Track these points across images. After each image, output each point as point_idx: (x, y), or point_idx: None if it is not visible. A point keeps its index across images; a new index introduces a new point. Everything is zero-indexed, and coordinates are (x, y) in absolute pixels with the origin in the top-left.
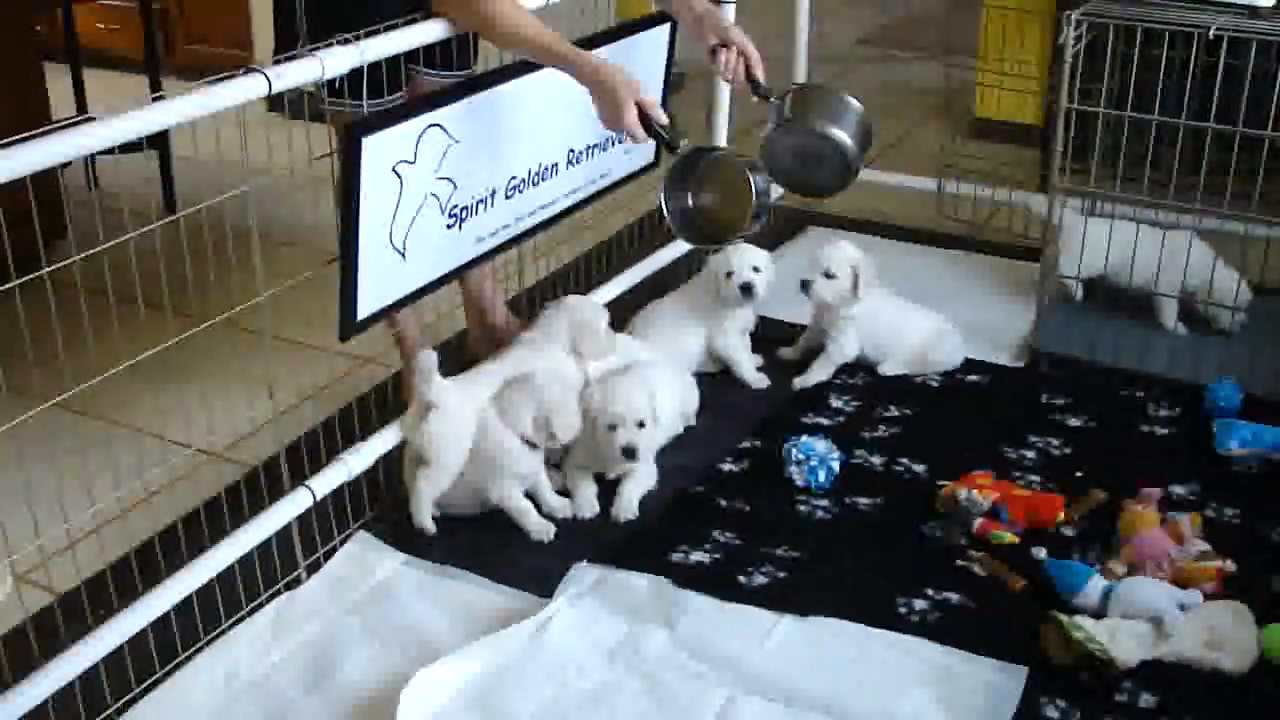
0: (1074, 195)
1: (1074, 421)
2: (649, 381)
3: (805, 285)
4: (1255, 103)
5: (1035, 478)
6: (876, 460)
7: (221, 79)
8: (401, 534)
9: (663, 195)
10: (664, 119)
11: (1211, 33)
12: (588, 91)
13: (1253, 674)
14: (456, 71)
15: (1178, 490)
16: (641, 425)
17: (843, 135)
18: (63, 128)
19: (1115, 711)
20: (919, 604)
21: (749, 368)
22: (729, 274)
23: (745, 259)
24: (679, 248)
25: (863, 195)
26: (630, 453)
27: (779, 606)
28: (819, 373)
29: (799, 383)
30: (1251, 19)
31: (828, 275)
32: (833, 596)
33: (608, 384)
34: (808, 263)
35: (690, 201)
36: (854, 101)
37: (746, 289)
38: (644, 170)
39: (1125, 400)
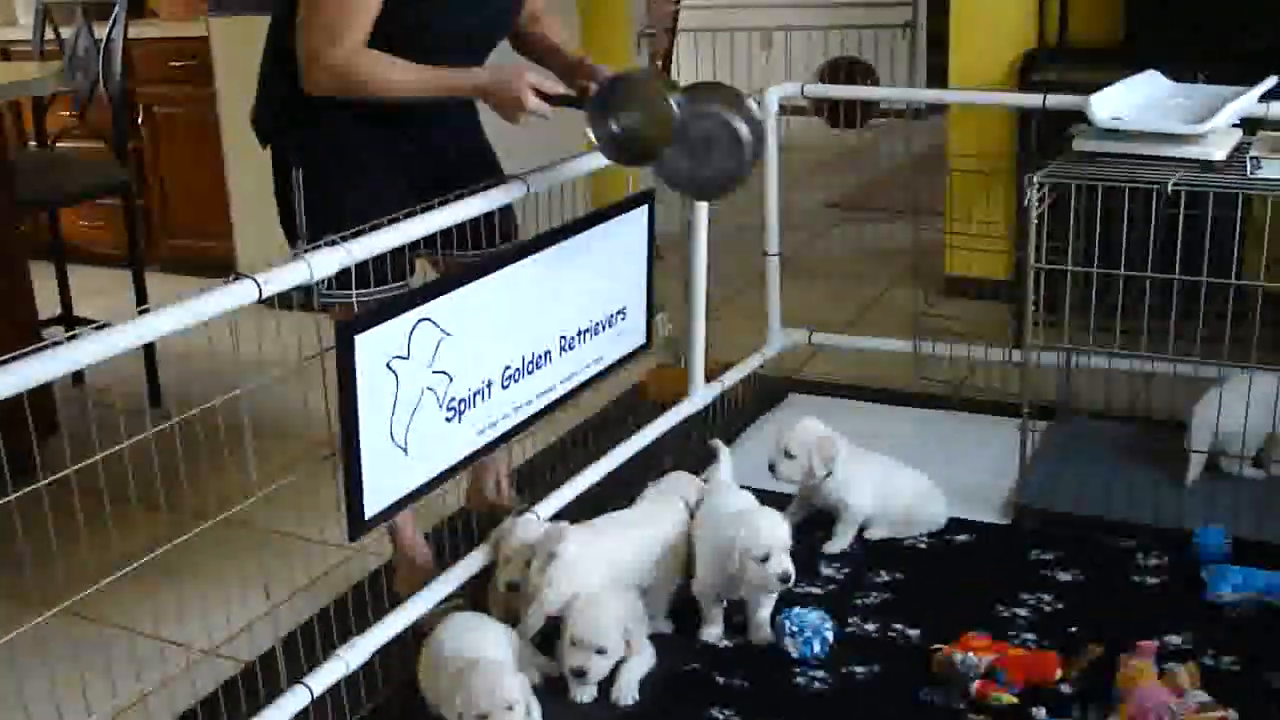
0: (1049, 350)
1: (1064, 576)
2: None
3: (771, 468)
4: (1217, 251)
5: (1030, 636)
6: (870, 627)
7: (212, 287)
8: None
9: (588, 126)
10: (560, 88)
11: (1169, 188)
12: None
13: None
14: (491, 247)
15: (1173, 640)
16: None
17: (721, 109)
18: (57, 343)
19: None
20: None
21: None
22: (764, 559)
23: (777, 537)
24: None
25: (841, 359)
26: (787, 579)
27: None
28: (842, 539)
29: (828, 549)
30: (1205, 172)
31: (788, 455)
32: None
33: (744, 517)
34: (773, 442)
35: (614, 127)
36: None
37: (785, 579)
38: (636, 352)
39: (1113, 552)
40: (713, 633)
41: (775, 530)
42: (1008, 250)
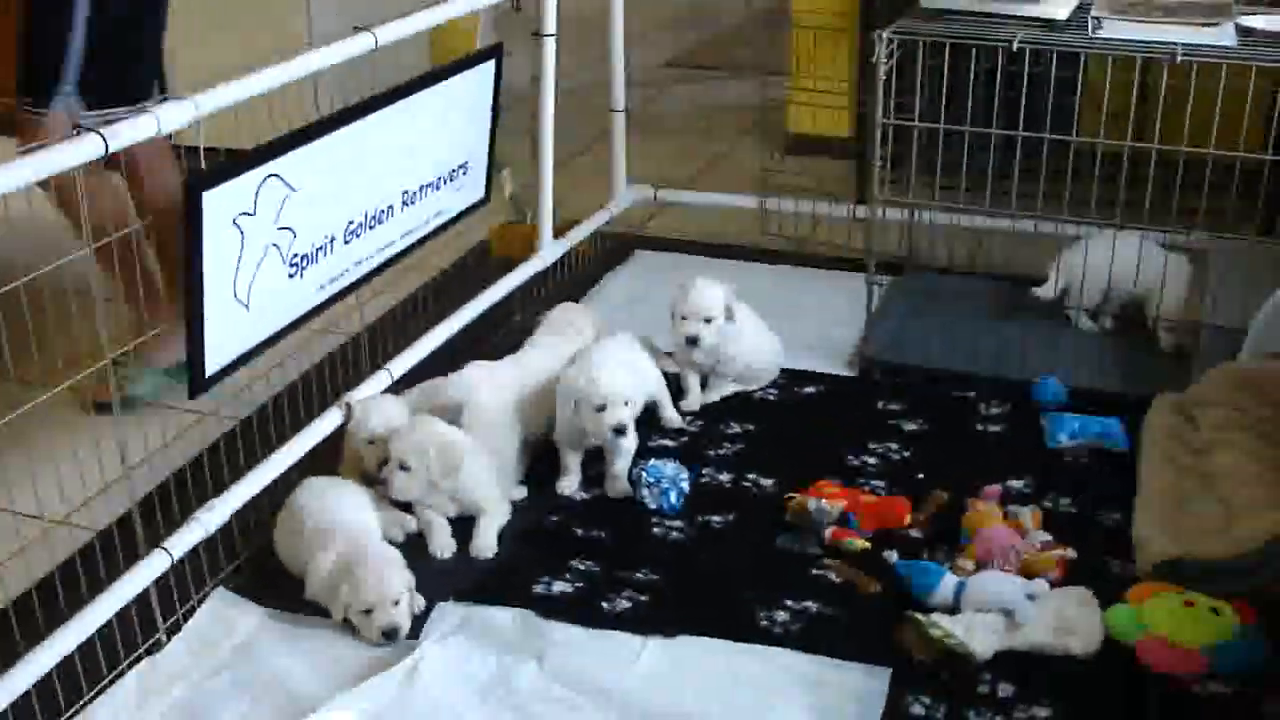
0: (893, 206)
1: (910, 426)
2: (626, 362)
3: (693, 340)
4: (1058, 110)
5: (879, 483)
6: (724, 477)
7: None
8: (261, 589)
9: None
10: None
11: (1014, 45)
12: None
13: (1100, 655)
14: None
15: (1015, 485)
16: (626, 404)
17: None
18: None
19: (978, 703)
20: (780, 615)
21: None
22: (600, 409)
23: (615, 389)
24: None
25: (686, 216)
26: (621, 430)
27: (644, 629)
28: (712, 395)
29: (695, 403)
30: (1049, 31)
31: (708, 320)
32: (696, 615)
33: (590, 366)
34: (674, 314)
35: None
36: None
37: (618, 430)
38: (476, 206)
39: (957, 402)
40: (568, 483)
41: (614, 381)
42: (849, 107)
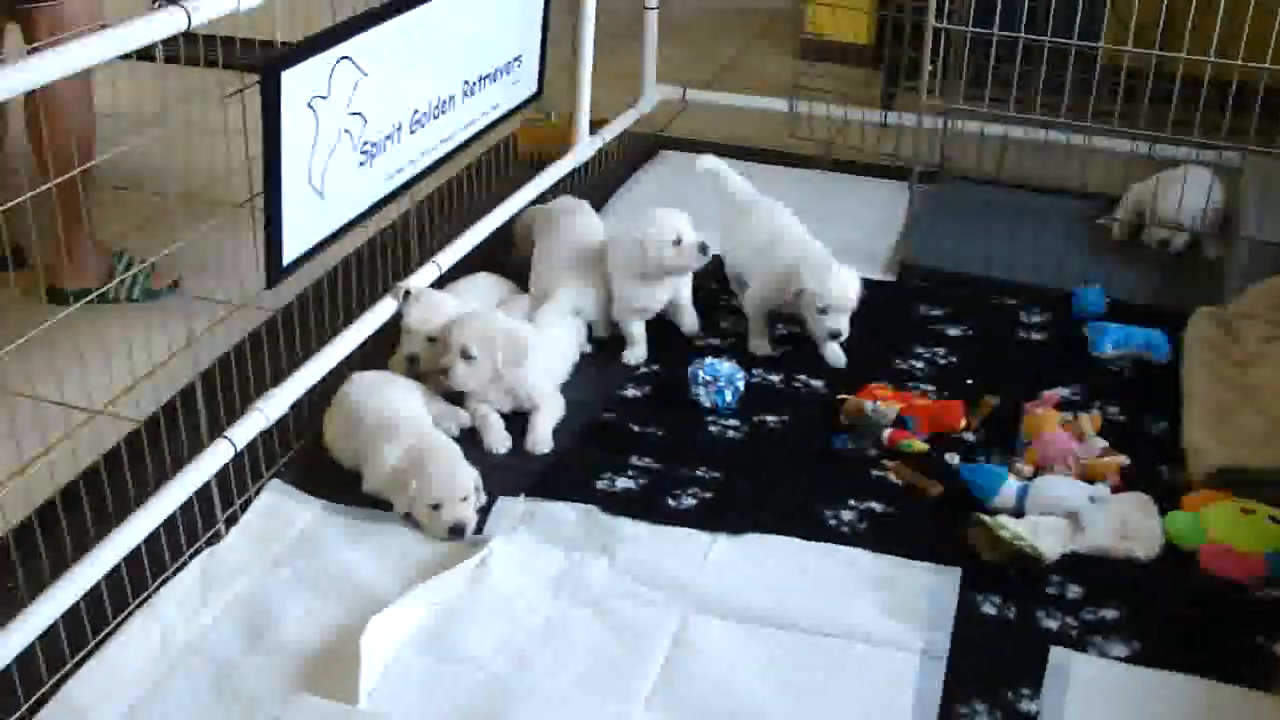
0: (938, 114)
1: (953, 331)
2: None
3: (704, 248)
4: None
5: (929, 387)
6: (775, 378)
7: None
8: (317, 481)
9: None
10: None
11: None
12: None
13: (1160, 560)
14: None
15: (1062, 392)
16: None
17: None
18: None
19: (1046, 603)
20: (846, 515)
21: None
22: (676, 241)
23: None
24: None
25: (706, 118)
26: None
27: (712, 526)
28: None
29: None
30: None
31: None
32: (762, 514)
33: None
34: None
35: None
36: None
37: (704, 249)
38: (529, 101)
39: (998, 309)
40: (636, 354)
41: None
42: (869, 11)
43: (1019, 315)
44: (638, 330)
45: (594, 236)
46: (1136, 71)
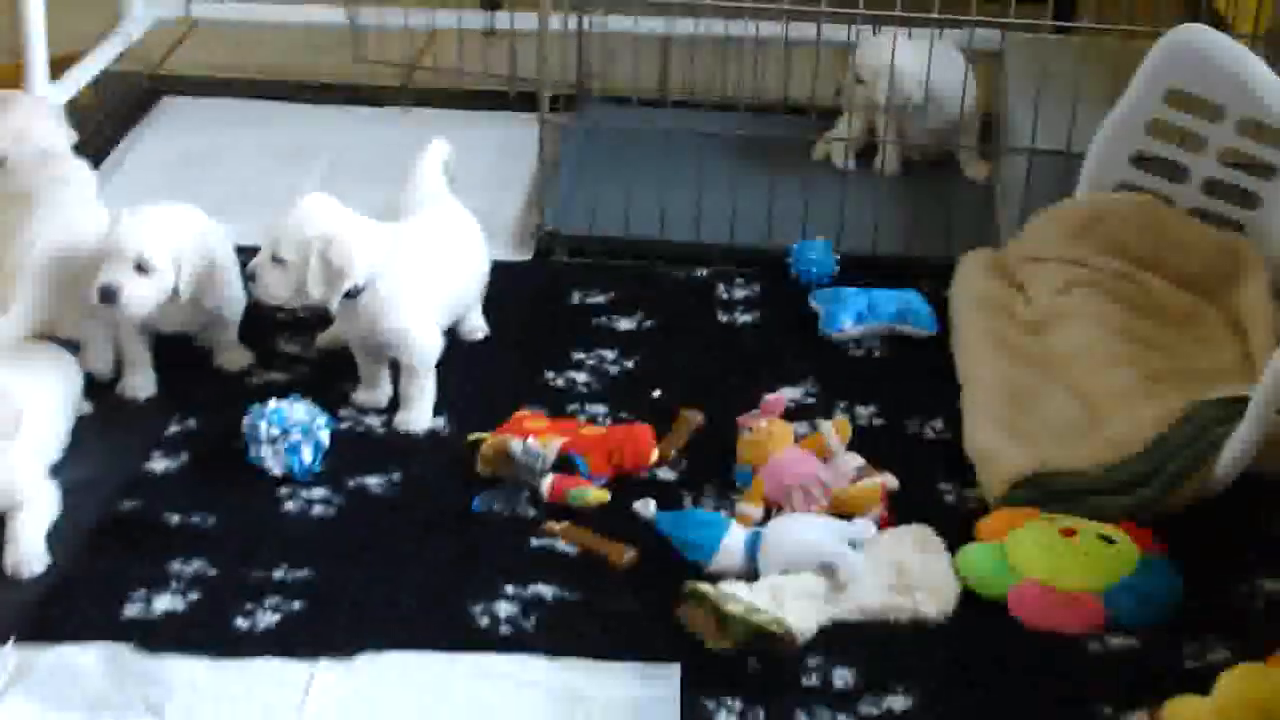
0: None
1: (625, 324)
2: None
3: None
4: None
5: (600, 408)
6: (373, 420)
7: None
8: None
9: None
10: None
11: None
12: None
13: (957, 616)
14: None
15: (790, 394)
16: None
17: None
18: None
19: (807, 698)
20: (503, 608)
21: None
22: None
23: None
24: None
25: (223, 44)
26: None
27: (307, 651)
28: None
29: None
30: None
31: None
32: (378, 622)
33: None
34: None
35: None
36: None
37: (107, 294)
38: None
39: (684, 285)
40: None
41: None
42: None
43: (715, 290)
44: (140, 353)
45: (83, 228)
46: None
